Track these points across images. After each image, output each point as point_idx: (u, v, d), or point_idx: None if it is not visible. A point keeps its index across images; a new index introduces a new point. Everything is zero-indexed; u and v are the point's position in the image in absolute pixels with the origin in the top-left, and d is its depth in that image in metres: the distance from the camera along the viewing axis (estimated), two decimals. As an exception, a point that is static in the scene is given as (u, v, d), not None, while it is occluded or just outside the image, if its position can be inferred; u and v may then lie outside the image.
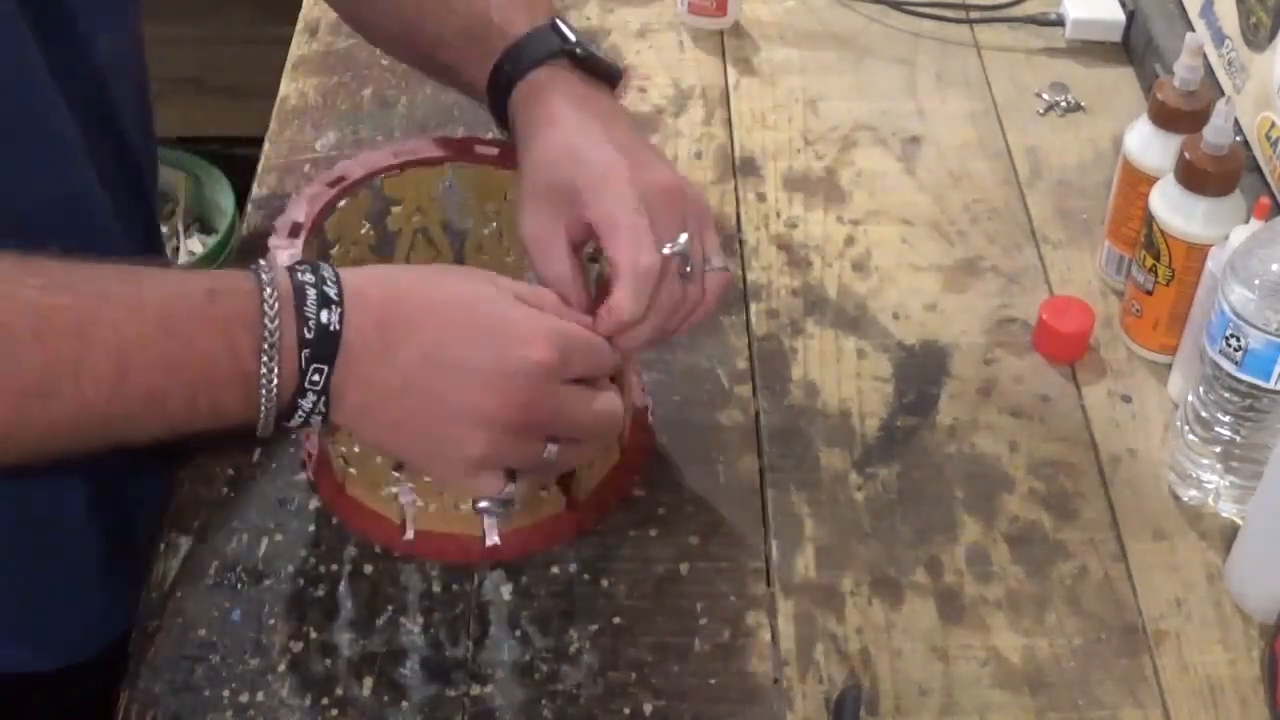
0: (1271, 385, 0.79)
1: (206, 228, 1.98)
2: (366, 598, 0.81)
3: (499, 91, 0.79)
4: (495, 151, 0.85)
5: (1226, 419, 0.83)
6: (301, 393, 0.65)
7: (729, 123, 1.14)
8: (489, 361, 0.66)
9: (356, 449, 0.80)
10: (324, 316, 0.64)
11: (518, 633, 0.79)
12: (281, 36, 1.22)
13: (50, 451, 0.63)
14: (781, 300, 0.99)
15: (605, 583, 0.82)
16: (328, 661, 0.78)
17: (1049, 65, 1.20)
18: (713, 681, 0.78)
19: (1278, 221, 0.80)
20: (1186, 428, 0.85)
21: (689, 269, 0.74)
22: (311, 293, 0.64)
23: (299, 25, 1.23)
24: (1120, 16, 1.20)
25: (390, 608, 0.80)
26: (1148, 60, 1.15)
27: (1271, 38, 0.99)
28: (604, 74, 0.80)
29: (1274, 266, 0.77)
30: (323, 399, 0.65)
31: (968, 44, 1.23)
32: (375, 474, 0.80)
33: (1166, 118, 0.93)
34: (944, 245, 1.04)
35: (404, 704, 0.76)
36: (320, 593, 0.81)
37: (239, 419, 0.65)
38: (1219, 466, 0.85)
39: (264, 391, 0.64)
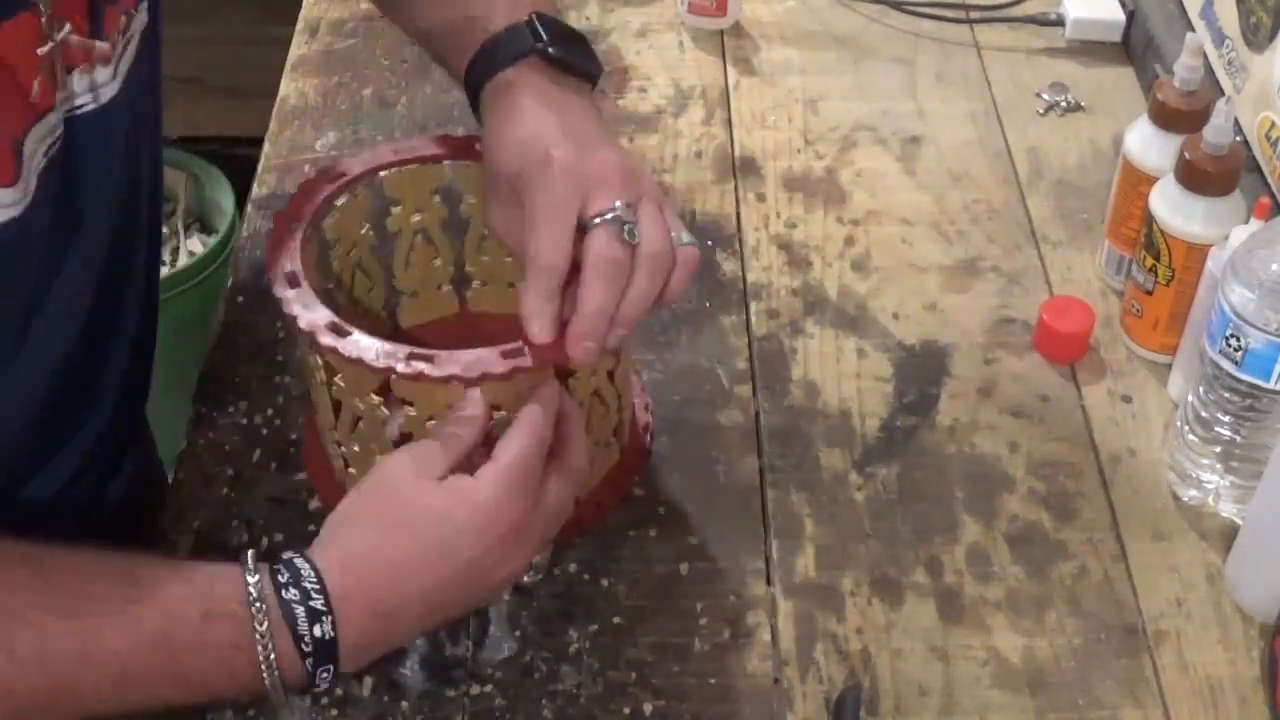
0: (1271, 385, 0.79)
1: (206, 228, 1.98)
2: (366, 598, 0.81)
3: (473, 88, 0.80)
4: None
5: (1226, 419, 0.83)
6: (314, 682, 0.67)
7: (729, 123, 1.14)
8: (485, 596, 0.73)
9: (356, 448, 0.80)
10: (317, 631, 0.66)
11: (518, 633, 0.79)
12: (281, 36, 1.22)
13: None
14: (781, 300, 0.99)
15: (605, 583, 0.82)
16: (328, 661, 0.78)
17: (1049, 65, 1.20)
18: (713, 681, 0.78)
19: (1278, 221, 0.80)
20: (1186, 428, 0.85)
21: (634, 240, 0.71)
22: (299, 611, 0.66)
23: (299, 25, 1.23)
24: (1120, 16, 1.20)
25: (390, 608, 0.80)
26: (1148, 60, 1.15)
27: (1271, 38, 0.99)
28: (578, 71, 0.79)
29: (1274, 266, 0.77)
30: (335, 674, 0.68)
31: (968, 44, 1.23)
32: None
33: (1166, 118, 0.93)
34: (944, 245, 1.04)
35: (404, 704, 0.76)
36: (320, 593, 0.81)
37: (255, 693, 0.67)
38: (1219, 466, 0.85)
39: (274, 692, 0.66)
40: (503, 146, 0.75)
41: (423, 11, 0.84)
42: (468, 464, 0.71)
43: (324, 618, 0.66)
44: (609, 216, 0.70)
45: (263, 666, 0.65)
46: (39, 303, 0.72)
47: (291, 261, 0.76)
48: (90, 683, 0.64)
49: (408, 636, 0.73)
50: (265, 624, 0.65)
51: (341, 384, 0.76)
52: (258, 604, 0.65)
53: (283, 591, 0.66)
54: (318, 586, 0.66)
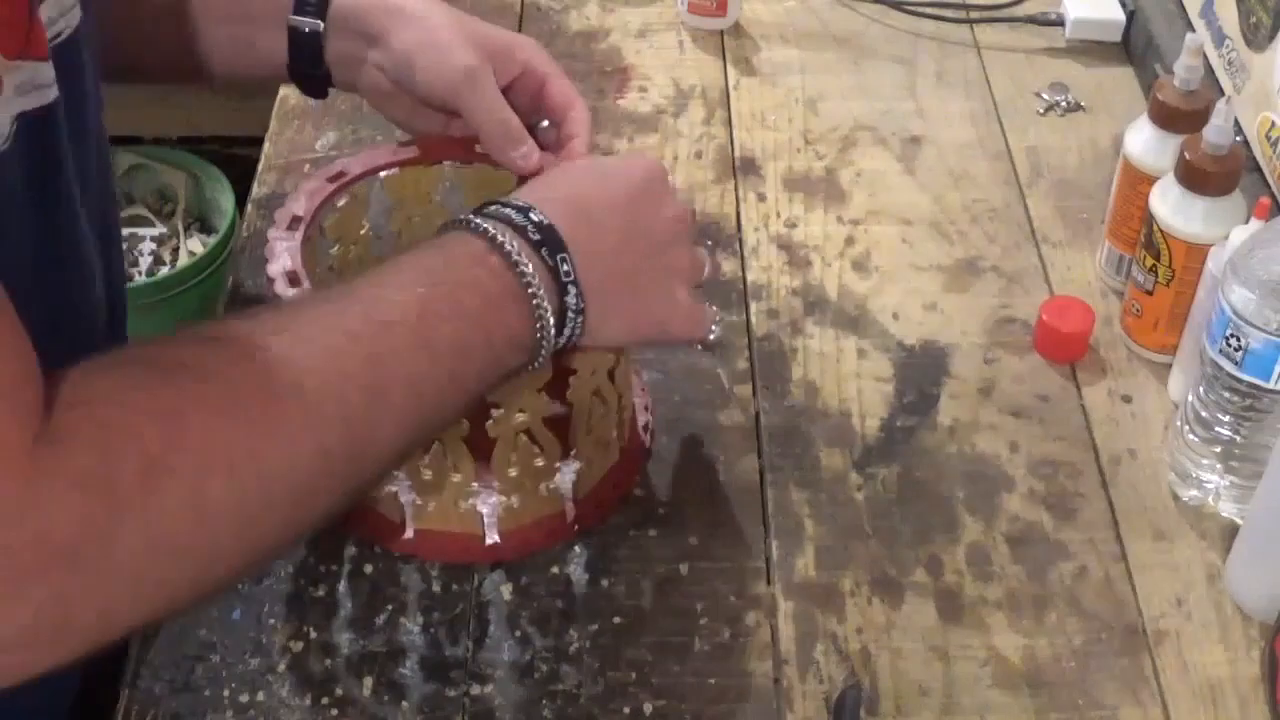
0: (1271, 385, 0.79)
1: (206, 228, 1.98)
2: (366, 598, 0.81)
3: (312, 16, 0.82)
4: None
5: (1226, 419, 0.83)
6: (564, 290, 0.69)
7: (729, 123, 1.14)
8: (639, 182, 0.75)
9: None
10: (533, 216, 0.69)
11: (518, 633, 0.79)
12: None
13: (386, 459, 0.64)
14: (781, 300, 0.99)
15: (605, 583, 0.82)
16: (328, 661, 0.78)
17: (1049, 65, 1.20)
18: (713, 681, 0.78)
19: (1278, 221, 0.80)
20: (1186, 428, 0.85)
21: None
22: (509, 211, 0.69)
23: (299, 25, 1.23)
24: (1120, 16, 1.20)
25: (390, 608, 0.80)
26: (1148, 60, 1.16)
27: (1271, 38, 0.99)
28: None
29: (1274, 266, 0.77)
30: (576, 290, 0.69)
31: (968, 44, 1.23)
32: None
33: (1166, 118, 0.93)
34: (944, 245, 1.04)
35: (404, 704, 0.76)
36: (320, 593, 0.81)
37: (527, 343, 0.68)
38: (1219, 466, 0.85)
39: (534, 298, 0.68)
40: (444, 19, 0.81)
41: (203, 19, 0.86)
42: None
43: (529, 210, 0.70)
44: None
45: (512, 258, 0.67)
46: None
47: (292, 261, 0.76)
48: (393, 349, 0.63)
49: (614, 244, 0.73)
50: (504, 237, 0.68)
51: None
52: (491, 228, 0.68)
53: (475, 217, 0.69)
54: (511, 203, 0.70)
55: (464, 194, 0.87)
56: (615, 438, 0.84)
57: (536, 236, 0.68)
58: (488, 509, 0.81)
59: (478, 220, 0.69)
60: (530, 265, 0.67)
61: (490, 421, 0.76)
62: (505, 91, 0.81)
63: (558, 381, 0.77)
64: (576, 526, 0.84)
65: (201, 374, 0.57)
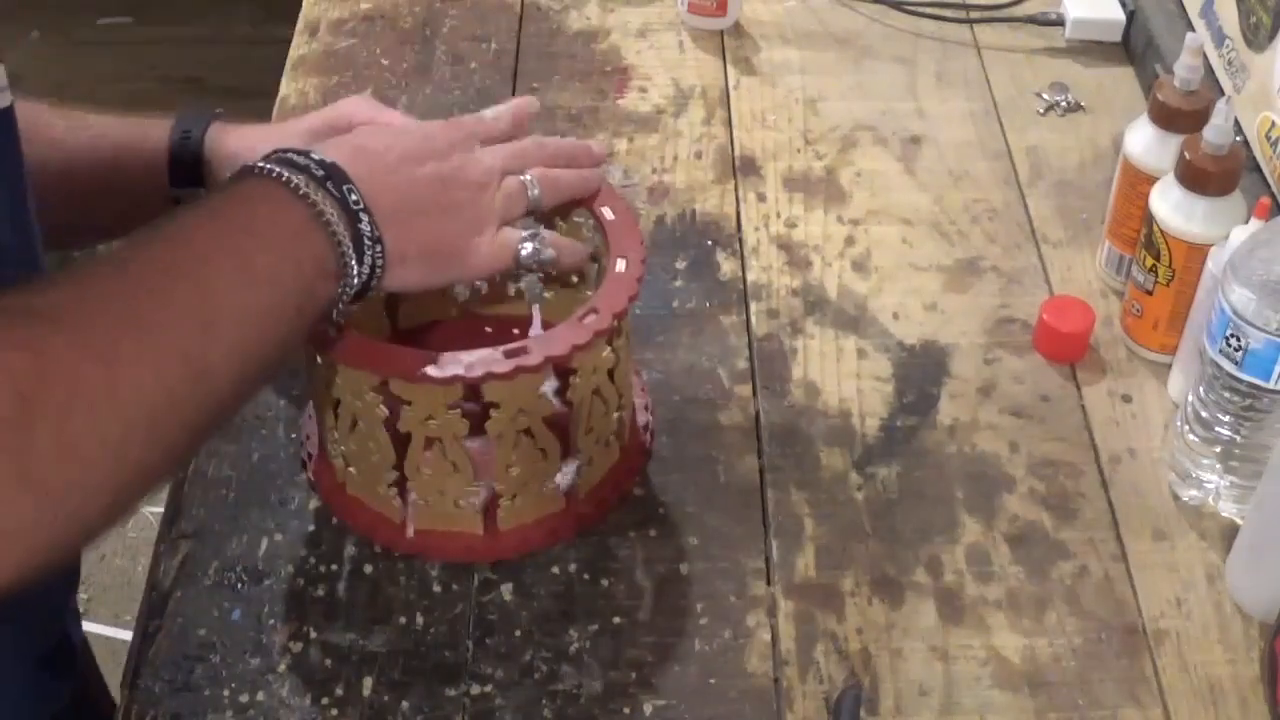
0: (1271, 385, 0.80)
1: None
2: (366, 598, 0.81)
3: (188, 157, 0.86)
4: None
5: (1226, 419, 0.83)
6: (355, 218, 0.71)
7: (729, 123, 1.14)
8: (441, 140, 0.78)
9: (354, 447, 0.80)
10: (314, 156, 0.72)
11: (518, 633, 0.79)
12: (281, 36, 1.22)
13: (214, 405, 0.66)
14: (781, 300, 0.99)
15: (605, 583, 0.82)
16: (328, 661, 0.78)
17: (1049, 65, 1.20)
18: (713, 681, 0.78)
19: (1278, 221, 0.80)
20: (1186, 428, 0.85)
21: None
22: (291, 154, 0.72)
23: (299, 25, 1.23)
24: (1120, 16, 1.20)
25: (390, 608, 0.80)
26: (1148, 60, 1.16)
27: (1271, 38, 0.99)
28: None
29: (1274, 266, 0.77)
30: (370, 219, 0.72)
31: (968, 44, 1.23)
32: (375, 472, 0.80)
33: (1166, 118, 0.93)
34: (944, 245, 1.04)
35: (404, 704, 0.76)
36: (320, 593, 0.81)
37: (334, 269, 0.70)
38: (1219, 466, 0.85)
39: (329, 226, 0.70)
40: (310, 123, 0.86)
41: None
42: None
43: (309, 153, 0.72)
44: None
45: (299, 190, 0.69)
46: None
47: None
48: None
49: (405, 180, 0.75)
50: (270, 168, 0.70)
51: (340, 383, 0.76)
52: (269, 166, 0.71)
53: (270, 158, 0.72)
54: (292, 149, 0.73)
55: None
56: (615, 437, 0.84)
57: (320, 173, 0.71)
58: (489, 507, 0.81)
59: (262, 164, 0.71)
60: (319, 195, 0.70)
61: (490, 420, 0.76)
62: None
63: (558, 381, 0.77)
64: (577, 526, 0.84)
65: (55, 315, 0.59)
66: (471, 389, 0.75)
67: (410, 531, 0.82)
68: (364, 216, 0.71)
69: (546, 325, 0.91)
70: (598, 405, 0.81)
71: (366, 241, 0.71)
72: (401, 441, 0.78)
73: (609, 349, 0.79)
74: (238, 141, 0.86)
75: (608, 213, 0.82)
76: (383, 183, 0.74)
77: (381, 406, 0.76)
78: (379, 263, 0.72)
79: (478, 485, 0.80)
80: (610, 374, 0.80)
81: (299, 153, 0.72)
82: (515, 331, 0.90)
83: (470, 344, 0.74)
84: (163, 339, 0.62)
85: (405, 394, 0.74)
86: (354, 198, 0.71)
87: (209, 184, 0.86)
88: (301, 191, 0.69)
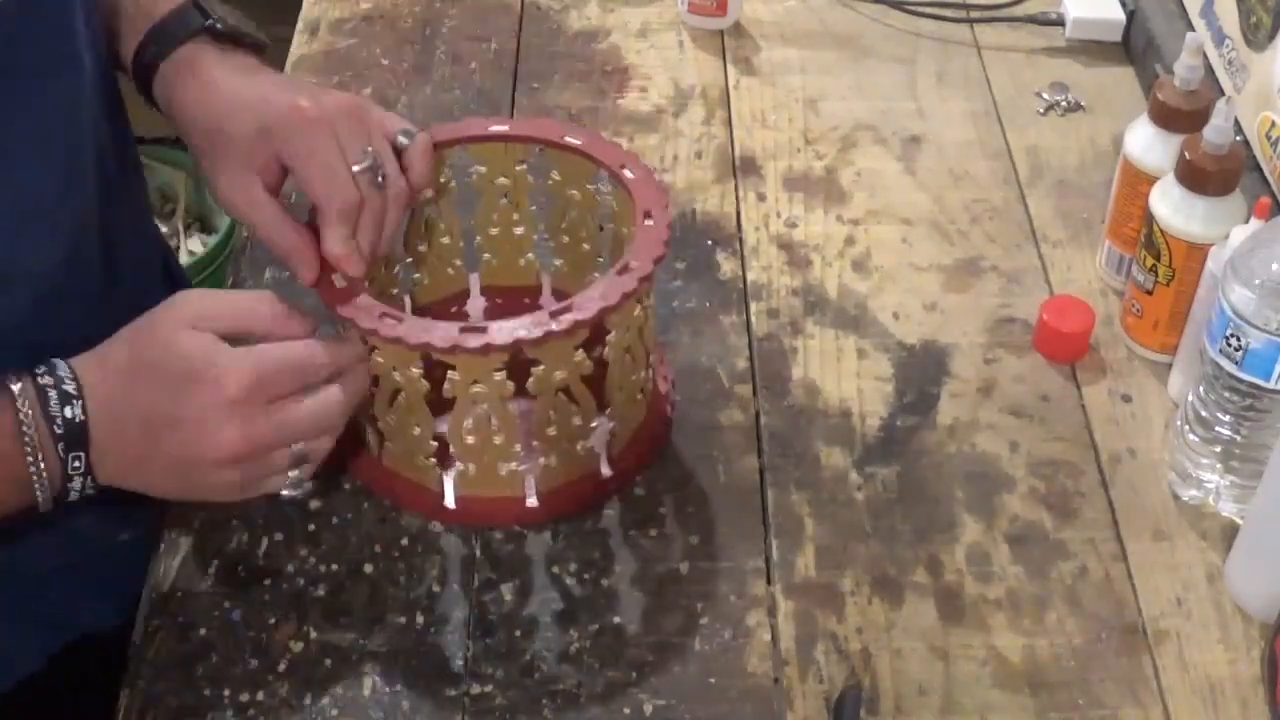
0: (1272, 385, 0.79)
1: (207, 227, 1.98)
2: (366, 598, 0.81)
3: (144, 72, 0.83)
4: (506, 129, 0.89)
5: (1226, 419, 0.83)
6: (69, 478, 0.72)
7: (729, 123, 1.14)
8: (193, 409, 0.72)
9: (393, 420, 0.81)
10: (68, 412, 0.71)
11: (518, 632, 0.79)
12: (281, 36, 1.22)
13: None
14: (781, 300, 0.99)
15: (605, 582, 0.82)
16: (328, 661, 0.78)
17: (1049, 65, 1.20)
18: (713, 681, 0.78)
19: (1278, 221, 0.80)
20: (1186, 427, 0.85)
21: (381, 177, 0.79)
22: (53, 394, 0.70)
23: (299, 25, 1.23)
24: (1120, 16, 1.20)
25: (390, 608, 0.80)
26: (1148, 60, 1.15)
27: (1272, 37, 0.99)
28: (248, 46, 0.84)
29: (1274, 266, 0.77)
30: (88, 477, 0.72)
31: (968, 44, 1.23)
32: (416, 444, 0.82)
33: (1167, 117, 0.93)
34: (944, 245, 1.04)
35: (404, 704, 0.76)
36: (320, 593, 0.81)
37: (22, 505, 0.72)
38: (1219, 466, 0.85)
39: (38, 484, 0.71)
40: (215, 112, 0.80)
41: None
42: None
43: (74, 401, 0.71)
44: (364, 165, 0.78)
45: (26, 446, 0.70)
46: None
47: None
48: None
49: (143, 451, 0.73)
50: (26, 403, 0.70)
51: (381, 360, 0.78)
52: (15, 384, 0.70)
53: (38, 378, 0.71)
54: (69, 374, 0.71)
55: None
56: (642, 395, 0.86)
57: (60, 430, 0.70)
58: (528, 470, 0.83)
59: (20, 386, 0.70)
60: (41, 458, 0.70)
61: (531, 380, 0.78)
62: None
63: (592, 340, 0.78)
64: (610, 488, 0.85)
65: None
66: (514, 353, 0.76)
67: (451, 500, 0.84)
68: (78, 480, 0.72)
69: (556, 293, 0.94)
70: (628, 364, 0.82)
71: (73, 492, 0.73)
72: (440, 411, 0.80)
73: (639, 307, 0.81)
74: (192, 82, 0.82)
75: (628, 172, 0.84)
76: (122, 456, 0.73)
77: (423, 380, 0.78)
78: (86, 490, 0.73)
79: (519, 450, 0.82)
80: (640, 331, 0.82)
81: (64, 395, 0.71)
82: (526, 301, 0.93)
83: (487, 315, 0.77)
84: None
85: (453, 362, 0.76)
86: (76, 464, 0.71)
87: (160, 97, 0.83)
88: (26, 446, 0.70)
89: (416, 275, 0.92)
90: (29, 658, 0.86)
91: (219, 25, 0.82)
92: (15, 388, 0.70)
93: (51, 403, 0.70)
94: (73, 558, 0.85)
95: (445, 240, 0.92)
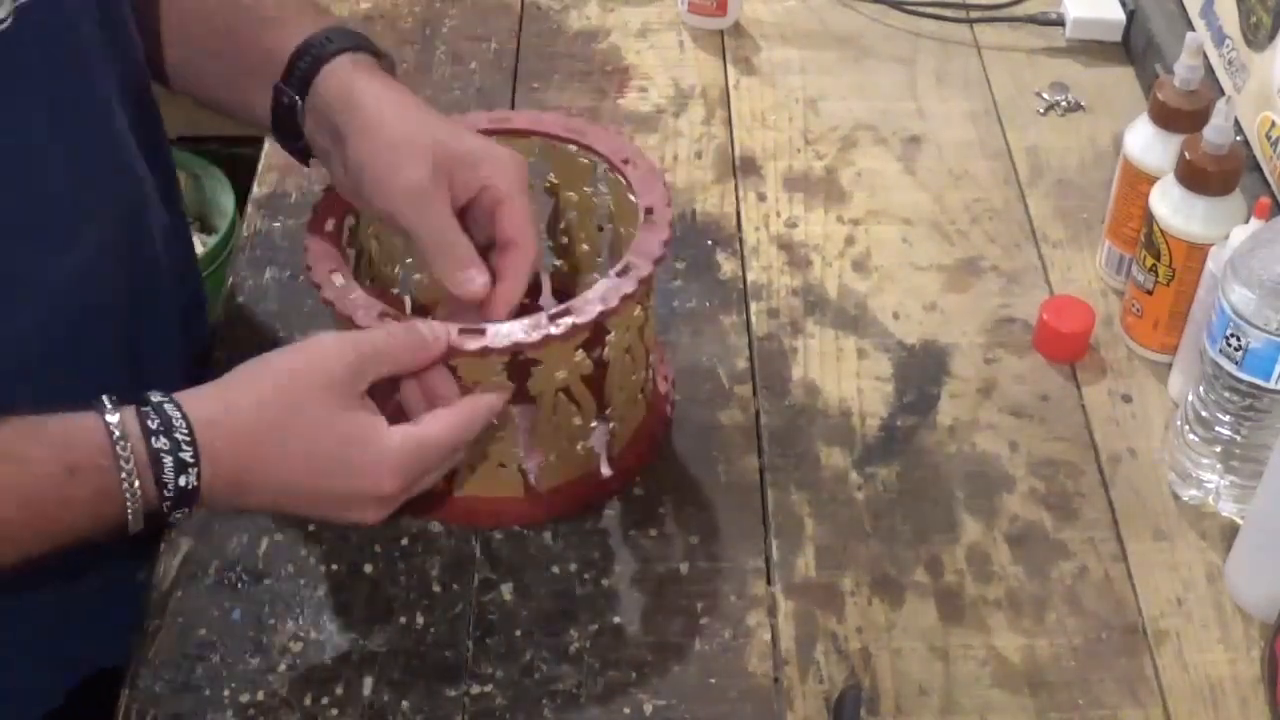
0: (1272, 385, 0.79)
1: (207, 227, 1.98)
2: (366, 598, 0.81)
3: (295, 90, 0.80)
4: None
5: (1226, 419, 0.83)
6: (168, 522, 0.69)
7: (729, 123, 1.14)
8: (342, 494, 0.71)
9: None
10: (182, 481, 0.67)
11: (518, 633, 0.79)
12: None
13: None
14: (781, 300, 0.99)
15: (605, 582, 0.82)
16: (328, 661, 0.78)
17: (1049, 65, 1.20)
18: (713, 681, 0.78)
19: (1278, 221, 0.80)
20: (1186, 427, 0.85)
21: None
22: (168, 460, 0.66)
23: (299, 25, 1.23)
24: (1120, 16, 1.20)
25: (390, 608, 0.80)
26: (1148, 60, 1.15)
27: (1272, 37, 0.99)
28: (386, 64, 0.84)
29: (1274, 266, 0.77)
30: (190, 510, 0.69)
31: (968, 44, 1.23)
32: None
33: (1167, 117, 0.93)
34: (944, 245, 1.04)
35: (404, 704, 0.76)
36: (320, 592, 0.81)
37: (106, 528, 0.68)
38: (1219, 466, 0.85)
39: (130, 528, 0.67)
40: (407, 117, 0.78)
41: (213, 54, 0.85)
42: (386, 386, 0.73)
43: (190, 470, 0.67)
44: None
45: (129, 511, 0.66)
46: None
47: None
48: None
49: (251, 507, 0.75)
50: (132, 468, 0.66)
51: None
52: (122, 445, 0.66)
53: (151, 439, 0.66)
54: (188, 439, 0.67)
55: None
56: (642, 395, 0.86)
57: (170, 494, 0.67)
58: (528, 470, 0.83)
59: (129, 458, 0.66)
60: (142, 518, 0.67)
61: (531, 380, 0.78)
62: (466, 206, 0.78)
63: (592, 341, 0.78)
64: (610, 487, 0.85)
65: None
66: (512, 354, 0.76)
67: (451, 501, 0.84)
68: (179, 517, 0.69)
69: (556, 293, 0.94)
70: (629, 362, 0.82)
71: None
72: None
73: (639, 307, 0.81)
74: (348, 93, 0.79)
75: (630, 168, 0.84)
76: (233, 502, 0.71)
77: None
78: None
79: (519, 450, 0.82)
80: (640, 331, 0.82)
81: (180, 463, 0.67)
82: (525, 301, 0.93)
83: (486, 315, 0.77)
84: None
85: (452, 363, 0.76)
86: (176, 517, 0.68)
87: (308, 114, 0.81)
88: (128, 514, 0.66)
89: (417, 275, 0.92)
90: (47, 694, 0.86)
91: (367, 44, 0.82)
92: (122, 451, 0.66)
93: (166, 470, 0.66)
94: (91, 597, 0.85)
95: None
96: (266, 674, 0.77)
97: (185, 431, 0.67)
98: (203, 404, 0.68)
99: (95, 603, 0.85)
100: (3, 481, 0.65)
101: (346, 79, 0.79)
